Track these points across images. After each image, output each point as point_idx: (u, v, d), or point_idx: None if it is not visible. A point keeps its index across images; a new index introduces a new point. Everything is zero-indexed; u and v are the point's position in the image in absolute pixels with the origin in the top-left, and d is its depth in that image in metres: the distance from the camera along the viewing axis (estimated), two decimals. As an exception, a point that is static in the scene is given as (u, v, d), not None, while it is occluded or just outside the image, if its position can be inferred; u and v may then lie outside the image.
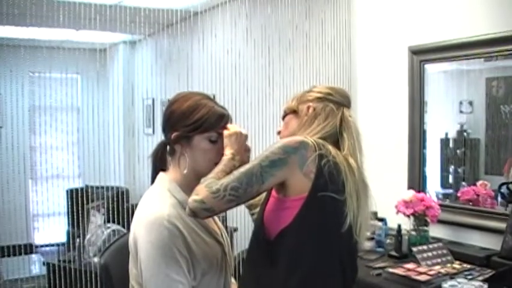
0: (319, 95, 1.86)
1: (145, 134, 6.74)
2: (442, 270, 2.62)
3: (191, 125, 1.72)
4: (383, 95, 3.65)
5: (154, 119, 6.53)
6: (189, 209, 1.59)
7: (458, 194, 3.19)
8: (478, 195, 3.08)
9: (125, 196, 4.79)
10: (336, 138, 1.80)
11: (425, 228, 3.01)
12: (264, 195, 1.80)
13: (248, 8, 4.12)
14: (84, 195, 4.19)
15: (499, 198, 2.96)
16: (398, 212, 3.05)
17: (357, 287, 1.85)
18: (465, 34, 3.03)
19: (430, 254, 2.78)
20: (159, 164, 1.84)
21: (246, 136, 1.80)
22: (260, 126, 4.02)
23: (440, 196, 3.42)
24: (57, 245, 4.81)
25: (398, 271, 2.63)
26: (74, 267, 3.95)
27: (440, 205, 3.08)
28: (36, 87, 4.80)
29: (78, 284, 3.83)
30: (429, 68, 3.35)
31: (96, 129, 4.31)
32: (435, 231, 3.10)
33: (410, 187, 3.33)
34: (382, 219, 3.22)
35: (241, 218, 3.85)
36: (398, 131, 3.48)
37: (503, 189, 2.88)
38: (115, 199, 4.41)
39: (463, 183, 3.25)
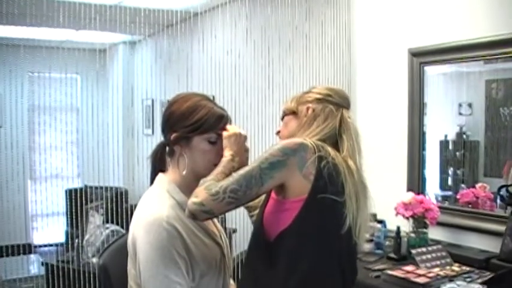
0: (318, 96, 1.86)
1: (144, 134, 6.73)
2: (441, 273, 2.62)
3: (190, 126, 1.72)
4: (383, 96, 3.65)
5: (154, 119, 6.53)
6: (188, 211, 1.59)
7: (458, 196, 3.19)
8: (477, 198, 3.08)
9: (124, 197, 4.78)
10: (335, 140, 1.80)
11: (425, 230, 3.01)
12: (263, 197, 1.80)
13: (248, 8, 4.12)
14: (83, 195, 4.19)
15: (498, 201, 2.95)
16: (397, 214, 3.05)
17: (355, 289, 1.85)
18: (465, 36, 3.03)
19: (429, 256, 2.78)
20: (158, 165, 1.84)
21: (245, 137, 1.80)
22: (260, 127, 4.02)
23: (439, 198, 3.42)
24: (56, 245, 4.80)
25: (397, 273, 2.62)
26: (73, 267, 3.94)
27: (440, 207, 3.08)
28: (35, 87, 4.79)
29: (76, 285, 3.82)
30: (429, 70, 3.34)
31: (95, 129, 4.31)
32: (434, 233, 3.10)
33: (409, 189, 3.32)
34: (381, 221, 3.22)
35: (240, 220, 3.85)
36: (398, 132, 3.48)
37: (503, 192, 2.88)
38: (114, 199, 4.41)
39: (462, 185, 3.25)
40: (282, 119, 1.98)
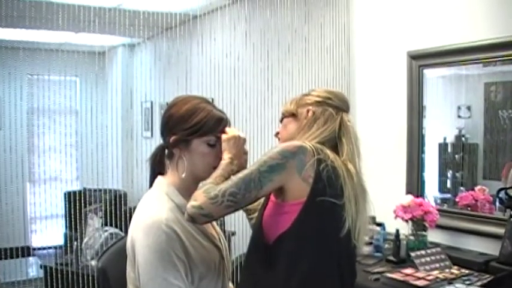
0: (318, 98, 1.87)
1: (143, 137, 6.73)
2: (440, 276, 2.62)
3: (189, 128, 1.72)
4: (382, 99, 3.65)
5: (153, 122, 6.53)
6: (187, 214, 1.59)
7: (457, 199, 3.19)
8: (476, 200, 3.08)
9: (122, 199, 4.78)
10: (334, 143, 1.80)
11: (424, 233, 3.01)
12: (262, 199, 1.80)
13: (247, 11, 4.12)
14: (82, 198, 4.19)
15: (497, 204, 2.95)
16: (396, 216, 3.05)
17: (355, 292, 1.85)
18: (464, 39, 3.03)
19: (428, 259, 2.78)
20: (157, 168, 1.84)
21: (244, 140, 1.80)
22: (259, 130, 4.02)
23: (438, 201, 3.42)
24: (55, 247, 4.81)
25: (397, 276, 2.62)
26: (71, 270, 3.93)
27: (439, 210, 3.08)
28: (34, 89, 4.79)
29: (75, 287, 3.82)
30: (428, 72, 3.35)
31: (94, 132, 4.31)
32: (433, 236, 3.09)
33: (408, 192, 3.32)
34: (380, 224, 3.22)
35: (239, 222, 3.84)
36: (397, 135, 3.48)
37: (502, 195, 2.87)
38: (113, 202, 4.40)
39: (461, 188, 3.25)
40: (281, 121, 1.99)
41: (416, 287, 2.49)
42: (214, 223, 1.91)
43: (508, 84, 3.00)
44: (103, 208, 4.32)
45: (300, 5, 4.05)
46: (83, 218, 4.21)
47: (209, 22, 4.70)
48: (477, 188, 3.11)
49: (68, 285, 3.88)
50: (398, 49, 3.47)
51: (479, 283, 2.51)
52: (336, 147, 1.79)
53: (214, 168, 1.71)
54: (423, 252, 2.81)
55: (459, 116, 3.26)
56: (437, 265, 2.75)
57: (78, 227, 4.22)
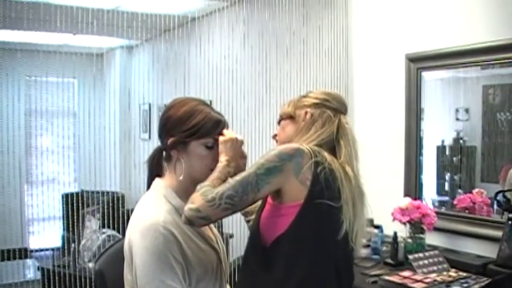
0: (316, 100, 1.86)
1: (141, 139, 6.72)
2: (438, 278, 2.62)
3: (187, 130, 1.71)
4: (380, 101, 3.65)
5: (151, 124, 6.52)
6: (184, 217, 1.59)
7: (455, 202, 3.19)
8: (474, 203, 3.08)
9: (120, 201, 4.78)
10: (332, 145, 1.80)
11: (422, 235, 3.01)
12: (259, 202, 1.80)
13: (246, 13, 4.13)
14: (80, 200, 4.18)
15: (495, 206, 2.95)
16: (394, 219, 3.04)
17: (352, 295, 1.84)
18: (462, 42, 3.03)
19: (426, 261, 2.77)
20: (155, 170, 1.83)
21: (241, 142, 1.80)
22: (257, 132, 4.02)
23: (436, 203, 3.42)
24: (52, 249, 4.80)
25: (394, 279, 2.62)
26: (69, 272, 3.93)
27: (437, 213, 3.08)
28: (32, 91, 4.79)
29: (72, 289, 3.82)
30: (426, 75, 3.35)
31: (92, 133, 4.30)
32: (431, 238, 3.09)
33: (406, 194, 3.32)
34: (378, 227, 3.21)
35: (236, 225, 3.85)
36: (395, 137, 3.48)
37: (500, 197, 2.88)
38: (111, 204, 4.40)
39: (459, 190, 3.25)
40: (279, 123, 1.99)
41: (414, 289, 2.49)
42: (212, 225, 1.91)
43: (506, 87, 3.00)
44: (101, 210, 4.33)
45: (299, 7, 4.05)
46: (80, 220, 4.21)
47: (207, 24, 4.70)
48: (475, 190, 3.11)
49: (65, 287, 3.87)
50: (397, 51, 3.48)
51: (477, 286, 2.51)
52: (333, 150, 1.79)
53: (212, 170, 1.71)
54: (421, 255, 2.81)
55: (457, 119, 3.26)
56: (435, 268, 2.75)
57: (75, 229, 4.22)
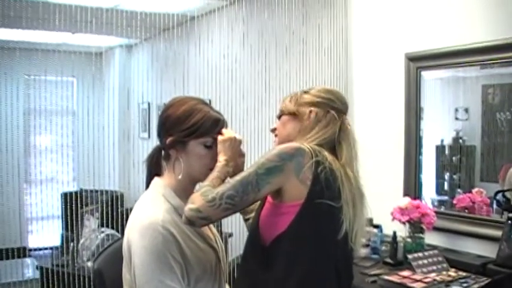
0: (319, 99, 1.84)
1: (140, 138, 6.72)
2: (438, 278, 2.61)
3: (186, 129, 1.71)
4: (379, 101, 3.65)
5: (150, 123, 6.52)
6: (185, 217, 1.59)
7: (454, 201, 3.19)
8: (473, 203, 3.08)
9: (119, 200, 4.78)
10: (332, 145, 1.79)
11: (421, 235, 3.00)
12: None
13: (245, 13, 4.12)
14: (79, 199, 4.17)
15: (495, 206, 2.95)
16: (393, 219, 3.04)
17: (352, 294, 1.84)
18: (462, 42, 3.03)
19: (425, 261, 2.77)
20: (154, 169, 1.83)
21: (240, 142, 1.79)
22: (256, 131, 4.01)
23: (435, 203, 3.41)
24: (51, 248, 4.79)
25: (394, 278, 2.62)
26: (68, 271, 3.93)
27: (436, 212, 3.07)
28: (31, 90, 4.79)
29: (71, 289, 3.82)
30: (426, 74, 3.34)
31: (91, 132, 4.29)
32: (431, 238, 3.09)
33: (406, 194, 3.32)
34: (377, 226, 3.21)
35: (236, 224, 3.84)
36: (395, 137, 3.48)
37: (499, 197, 2.88)
38: (109, 203, 4.40)
39: (459, 190, 3.25)
40: (279, 117, 1.95)
41: (413, 289, 2.49)
42: (211, 224, 1.90)
43: (505, 87, 3.00)
44: (99, 209, 4.32)
45: (298, 7, 4.05)
46: (79, 219, 4.20)
47: (207, 23, 4.70)
48: (474, 190, 3.11)
49: (64, 286, 3.87)
50: (396, 51, 3.47)
51: (476, 286, 2.50)
52: (333, 149, 1.78)
53: (211, 169, 1.70)
54: (420, 254, 2.81)
55: (457, 118, 3.26)
56: (435, 267, 2.75)
57: (74, 228, 4.21)
